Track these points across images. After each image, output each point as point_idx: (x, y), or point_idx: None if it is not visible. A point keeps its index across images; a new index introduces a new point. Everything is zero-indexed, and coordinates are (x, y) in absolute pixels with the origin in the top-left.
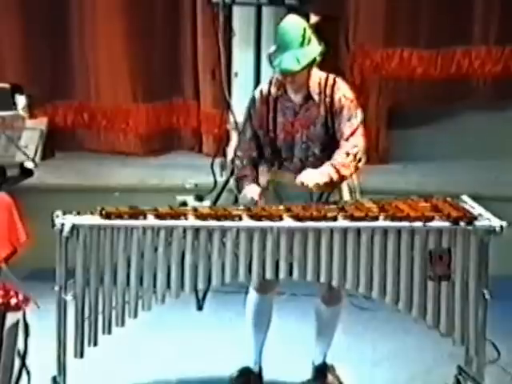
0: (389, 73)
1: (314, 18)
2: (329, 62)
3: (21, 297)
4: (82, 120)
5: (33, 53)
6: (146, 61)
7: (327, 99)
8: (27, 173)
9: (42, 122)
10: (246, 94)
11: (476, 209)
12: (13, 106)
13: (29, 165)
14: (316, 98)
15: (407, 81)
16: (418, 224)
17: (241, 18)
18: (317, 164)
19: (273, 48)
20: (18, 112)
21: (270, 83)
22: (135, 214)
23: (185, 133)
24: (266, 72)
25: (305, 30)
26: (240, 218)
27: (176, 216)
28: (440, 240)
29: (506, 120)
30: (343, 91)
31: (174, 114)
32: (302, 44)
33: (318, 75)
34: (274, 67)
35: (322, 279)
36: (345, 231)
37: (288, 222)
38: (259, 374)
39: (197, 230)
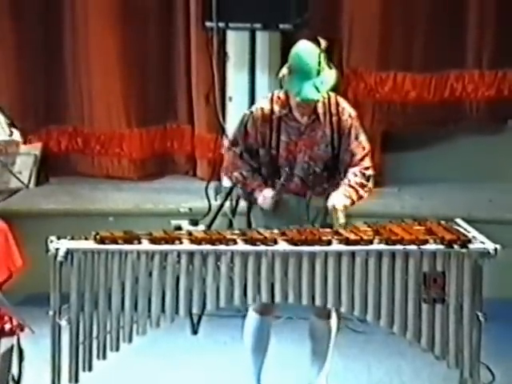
0: (382, 96)
1: (323, 43)
2: None
3: (15, 322)
4: (76, 145)
5: (26, 78)
6: (139, 86)
7: (334, 118)
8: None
9: (36, 148)
10: (240, 117)
11: (470, 232)
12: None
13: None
14: (321, 118)
15: (401, 104)
16: (413, 247)
17: (235, 42)
18: (317, 182)
19: (284, 71)
20: (12, 138)
21: (272, 101)
22: (130, 238)
23: (179, 157)
24: (262, 96)
25: (320, 56)
26: (235, 242)
27: (170, 240)
28: (434, 263)
29: (499, 143)
30: (348, 110)
31: (168, 139)
32: (319, 72)
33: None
34: (292, 92)
35: (317, 303)
36: (339, 255)
37: (283, 245)
38: None
39: (191, 254)
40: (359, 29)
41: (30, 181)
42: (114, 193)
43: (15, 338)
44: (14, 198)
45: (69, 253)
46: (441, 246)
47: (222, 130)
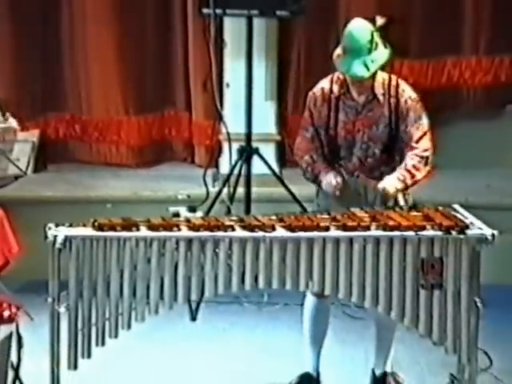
0: None
1: (380, 20)
2: (320, 71)
3: (14, 309)
4: (74, 132)
5: (24, 65)
6: (137, 73)
7: (392, 100)
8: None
9: (33, 135)
10: (237, 104)
11: (468, 218)
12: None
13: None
14: (380, 98)
15: None
16: (410, 233)
17: (232, 29)
18: (376, 164)
19: (338, 51)
20: (9, 125)
21: (331, 81)
22: (128, 225)
23: (177, 144)
24: (259, 82)
25: (372, 34)
26: (233, 229)
27: (169, 227)
28: (432, 249)
29: (497, 129)
30: (408, 93)
31: (166, 126)
32: (370, 50)
33: (381, 76)
34: (342, 70)
35: (315, 289)
36: (337, 241)
37: (280, 232)
38: (317, 380)
39: (190, 241)
40: (356, 13)
41: (27, 168)
42: (112, 180)
43: (14, 324)
44: (12, 185)
45: (67, 240)
46: (438, 232)
47: (220, 117)
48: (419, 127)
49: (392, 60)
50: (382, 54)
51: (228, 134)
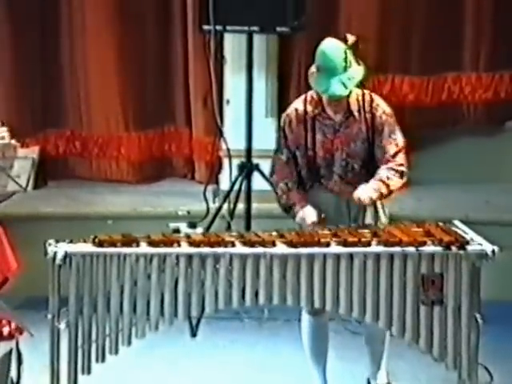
0: None
1: (351, 38)
2: None
3: (14, 326)
4: (74, 148)
5: (23, 82)
6: (137, 89)
7: (367, 115)
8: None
9: (33, 151)
10: (237, 120)
11: (468, 233)
12: None
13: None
14: (356, 114)
15: (399, 107)
16: (411, 249)
17: (232, 45)
18: (356, 180)
19: (313, 69)
20: (9, 141)
21: (305, 101)
22: (128, 241)
23: (177, 160)
24: (259, 98)
25: (346, 53)
26: (233, 245)
27: (169, 243)
28: (432, 265)
29: (497, 145)
30: (383, 107)
31: (166, 142)
32: (345, 68)
33: (354, 92)
34: (319, 90)
35: (316, 305)
36: (338, 257)
37: (281, 248)
38: None
39: (190, 257)
40: (356, 32)
41: (28, 184)
42: (113, 196)
43: (14, 341)
44: (12, 202)
45: (67, 256)
46: (439, 248)
47: (220, 133)
48: (393, 142)
49: (367, 77)
50: (357, 71)
51: (228, 150)
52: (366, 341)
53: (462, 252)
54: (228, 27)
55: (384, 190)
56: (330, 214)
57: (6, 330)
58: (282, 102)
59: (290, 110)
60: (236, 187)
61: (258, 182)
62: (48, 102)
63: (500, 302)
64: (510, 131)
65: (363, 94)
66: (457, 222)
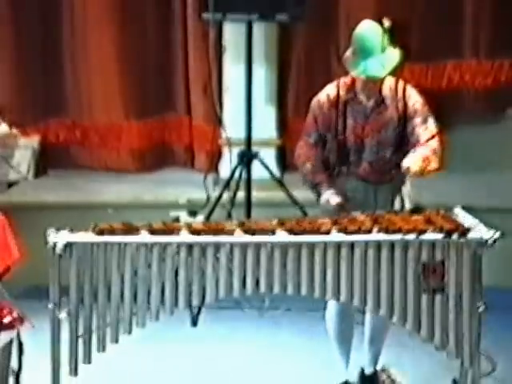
0: None
1: (386, 22)
2: (320, 75)
3: (15, 315)
4: (75, 137)
5: (24, 71)
6: (137, 78)
7: (400, 103)
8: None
9: (34, 140)
10: (237, 108)
11: (469, 221)
12: None
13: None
14: (388, 102)
15: None
16: (411, 237)
17: (231, 33)
18: (386, 168)
19: (348, 53)
20: (10, 130)
21: (338, 86)
22: (129, 230)
23: (177, 149)
24: (259, 87)
25: (383, 35)
26: (233, 233)
27: (169, 232)
28: (433, 252)
29: (497, 132)
30: (415, 96)
31: (167, 130)
32: (383, 49)
33: (388, 79)
34: (357, 72)
35: (317, 294)
36: (338, 245)
37: (282, 236)
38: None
39: (190, 246)
40: (356, 19)
41: (28, 173)
42: (113, 185)
43: (15, 331)
44: (13, 190)
45: (68, 245)
46: (440, 236)
47: (220, 122)
48: (427, 129)
49: (402, 64)
50: (394, 53)
51: (228, 138)
52: (368, 327)
53: (463, 239)
54: (227, 15)
55: (427, 162)
56: (357, 201)
57: (7, 320)
58: (281, 90)
59: (322, 94)
60: (236, 176)
61: (258, 171)
62: (49, 91)
63: (502, 289)
64: (511, 118)
65: (396, 82)
66: (458, 210)
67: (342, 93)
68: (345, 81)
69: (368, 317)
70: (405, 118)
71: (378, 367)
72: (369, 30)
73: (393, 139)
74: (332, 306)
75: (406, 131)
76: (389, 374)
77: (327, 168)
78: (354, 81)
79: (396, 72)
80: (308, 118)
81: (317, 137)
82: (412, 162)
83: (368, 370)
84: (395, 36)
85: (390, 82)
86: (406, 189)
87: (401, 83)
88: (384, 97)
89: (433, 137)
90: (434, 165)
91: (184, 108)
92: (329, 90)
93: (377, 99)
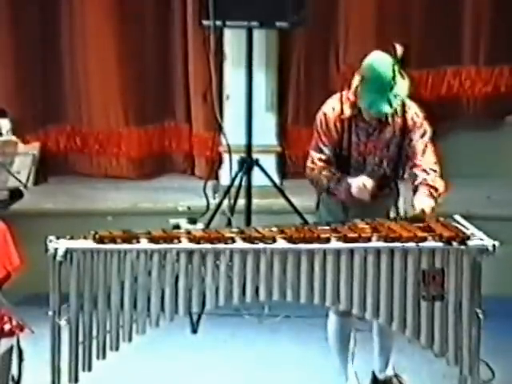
0: None
1: (399, 49)
2: (320, 82)
3: (15, 322)
4: (75, 144)
5: (24, 78)
6: (137, 85)
7: (399, 118)
8: (18, 195)
9: (34, 148)
10: (237, 116)
11: (468, 228)
12: None
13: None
14: (390, 119)
15: None
16: (411, 244)
17: (232, 40)
18: (385, 182)
19: (357, 78)
20: (9, 137)
21: (341, 101)
22: (128, 237)
23: (177, 156)
24: (259, 94)
25: (394, 69)
26: (233, 241)
27: (169, 239)
28: (433, 260)
29: (497, 139)
30: (414, 109)
31: (166, 138)
32: (392, 87)
33: None
34: (363, 104)
35: (316, 301)
36: (338, 252)
37: (281, 243)
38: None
39: (190, 253)
40: (355, 25)
41: (28, 180)
42: (113, 192)
43: (15, 338)
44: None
45: (68, 252)
46: (439, 243)
47: (220, 129)
48: (423, 142)
49: (411, 90)
50: (402, 87)
51: (228, 145)
52: (376, 334)
53: (462, 247)
54: (228, 22)
55: (435, 194)
56: (354, 214)
57: (7, 327)
58: (281, 97)
59: (327, 108)
60: (236, 183)
61: (259, 178)
62: (48, 99)
63: (501, 297)
64: (510, 125)
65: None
66: (457, 217)
67: (345, 108)
68: (348, 96)
69: (376, 322)
70: (404, 131)
71: (389, 372)
72: (380, 64)
73: (395, 156)
74: (333, 321)
75: (404, 143)
76: (400, 379)
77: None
78: (357, 98)
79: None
80: (315, 133)
81: (332, 151)
82: (423, 204)
83: (380, 375)
84: (406, 63)
85: None
86: (401, 201)
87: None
88: (386, 115)
89: (426, 147)
90: (441, 189)
91: (184, 115)
92: (333, 104)
93: (380, 118)
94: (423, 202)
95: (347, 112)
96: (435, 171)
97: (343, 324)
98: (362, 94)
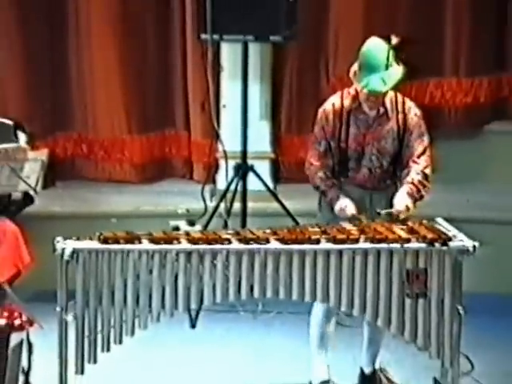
0: None
1: (394, 40)
2: (311, 93)
3: (25, 318)
4: (81, 151)
5: (34, 89)
6: (139, 95)
7: (400, 116)
8: (29, 200)
9: (43, 154)
10: (233, 124)
11: (450, 230)
12: (15, 140)
13: (31, 192)
14: (389, 113)
15: None
16: (396, 246)
17: (228, 53)
18: (383, 176)
19: (355, 67)
20: (20, 144)
21: (342, 97)
22: (131, 238)
23: (177, 162)
24: (254, 103)
25: (388, 52)
26: (229, 242)
27: (169, 240)
28: (417, 260)
29: (476, 147)
30: (414, 109)
31: (167, 145)
32: (387, 67)
33: (389, 93)
34: (360, 85)
35: (307, 298)
36: (327, 253)
37: (274, 244)
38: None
39: (189, 253)
40: (344, 40)
41: (37, 185)
42: (116, 196)
43: (25, 332)
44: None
45: (74, 252)
46: (423, 244)
47: (217, 136)
48: (421, 143)
49: (404, 79)
50: (397, 70)
51: (225, 151)
52: (367, 328)
53: (444, 248)
54: (224, 36)
55: (416, 195)
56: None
57: (17, 322)
58: (275, 107)
59: (327, 104)
60: (232, 187)
61: (253, 183)
62: (57, 108)
63: (480, 294)
64: (489, 134)
65: (396, 96)
66: (440, 220)
67: (346, 102)
68: (349, 91)
69: (367, 321)
70: (404, 130)
71: (377, 367)
72: (375, 47)
73: (392, 149)
74: (315, 315)
75: (403, 143)
76: (386, 373)
77: (336, 174)
78: (357, 91)
79: (397, 87)
80: (315, 127)
81: (326, 145)
82: (399, 203)
83: (367, 370)
84: (401, 52)
85: (390, 95)
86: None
87: (400, 96)
88: (386, 108)
89: (424, 151)
90: (424, 192)
91: (183, 123)
92: (333, 100)
93: (379, 110)
94: (401, 199)
95: (347, 105)
96: (426, 175)
97: (328, 311)
98: (360, 77)
